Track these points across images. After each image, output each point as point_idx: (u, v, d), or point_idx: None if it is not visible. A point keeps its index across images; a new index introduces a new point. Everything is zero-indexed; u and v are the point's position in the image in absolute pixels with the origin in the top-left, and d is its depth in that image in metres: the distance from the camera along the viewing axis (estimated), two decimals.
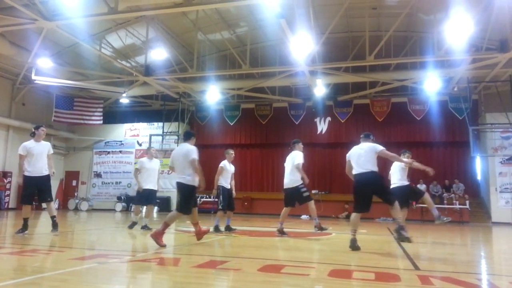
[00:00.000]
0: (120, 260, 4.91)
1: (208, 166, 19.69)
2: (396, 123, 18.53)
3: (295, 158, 8.01)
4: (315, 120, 19.54)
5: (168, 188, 19.64)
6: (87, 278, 3.91)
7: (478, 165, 18.17)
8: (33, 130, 7.42)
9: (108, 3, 11.49)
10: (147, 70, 16.07)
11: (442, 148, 18.61)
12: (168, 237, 8.21)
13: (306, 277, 4.05)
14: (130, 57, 18.14)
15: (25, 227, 7.17)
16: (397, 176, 7.95)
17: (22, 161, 7.16)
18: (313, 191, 18.58)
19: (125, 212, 18.76)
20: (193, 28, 15.75)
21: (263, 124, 20.21)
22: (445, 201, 16.64)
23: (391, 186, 7.81)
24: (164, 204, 19.30)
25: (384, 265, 4.96)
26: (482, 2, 12.25)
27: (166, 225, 6.12)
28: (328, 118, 19.41)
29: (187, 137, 6.52)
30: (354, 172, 6.39)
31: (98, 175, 21.06)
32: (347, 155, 6.59)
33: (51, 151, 7.53)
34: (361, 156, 6.37)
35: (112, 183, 20.74)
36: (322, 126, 19.51)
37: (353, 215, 6.33)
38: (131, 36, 16.56)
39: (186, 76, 17.01)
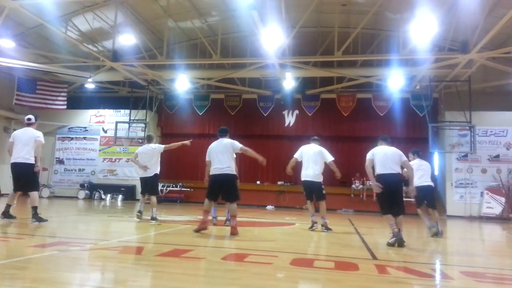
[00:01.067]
0: (81, 248, 4.86)
1: (175, 156, 19.61)
2: (361, 118, 18.99)
3: (325, 154, 8.09)
4: (283, 112, 19.71)
5: (134, 177, 19.34)
6: (47, 265, 3.85)
7: (436, 160, 18.96)
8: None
9: None
10: (115, 55, 15.64)
11: (403, 143, 19.02)
12: (132, 226, 8.17)
13: (269, 266, 4.17)
14: (97, 41, 17.57)
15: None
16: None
17: None
18: (279, 183, 18.86)
19: (88, 200, 18.37)
20: (164, 15, 15.44)
21: (232, 115, 20.19)
22: (404, 194, 17.26)
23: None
24: (128, 193, 19.07)
25: (344, 255, 5.17)
26: (446, 3, 12.71)
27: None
28: (296, 111, 19.63)
29: (226, 132, 7.15)
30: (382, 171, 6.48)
31: (60, 161, 20.43)
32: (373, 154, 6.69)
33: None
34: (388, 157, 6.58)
35: (75, 170, 20.18)
36: (290, 118, 19.72)
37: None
38: (99, 19, 16.02)
39: (155, 63, 16.70)
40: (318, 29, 16.93)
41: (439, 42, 14.58)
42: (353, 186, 18.08)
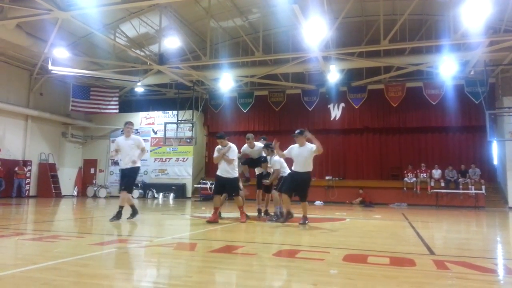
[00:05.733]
0: (138, 245, 5.06)
1: None
2: (411, 108, 18.31)
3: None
4: (329, 106, 19.42)
5: (184, 176, 19.94)
6: (107, 262, 4.05)
7: (495, 149, 17.90)
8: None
9: None
10: (161, 58, 16.15)
11: (458, 133, 18.36)
12: (184, 223, 8.38)
13: (321, 262, 4.10)
14: (144, 46, 18.23)
15: (119, 214, 7.68)
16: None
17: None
18: (327, 177, 18.63)
19: (142, 198, 19.10)
20: (206, 16, 15.71)
21: (276, 111, 20.19)
22: (461, 186, 16.52)
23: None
24: (179, 191, 19.67)
25: (399, 250, 5.00)
26: None
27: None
28: (342, 104, 19.27)
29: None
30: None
31: (115, 162, 21.40)
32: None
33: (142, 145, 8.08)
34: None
35: None
36: (335, 112, 19.39)
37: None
38: (145, 25, 16.61)
39: (199, 64, 17.04)
40: (362, 18, 16.49)
41: (493, 23, 13.69)
42: (406, 179, 17.49)
